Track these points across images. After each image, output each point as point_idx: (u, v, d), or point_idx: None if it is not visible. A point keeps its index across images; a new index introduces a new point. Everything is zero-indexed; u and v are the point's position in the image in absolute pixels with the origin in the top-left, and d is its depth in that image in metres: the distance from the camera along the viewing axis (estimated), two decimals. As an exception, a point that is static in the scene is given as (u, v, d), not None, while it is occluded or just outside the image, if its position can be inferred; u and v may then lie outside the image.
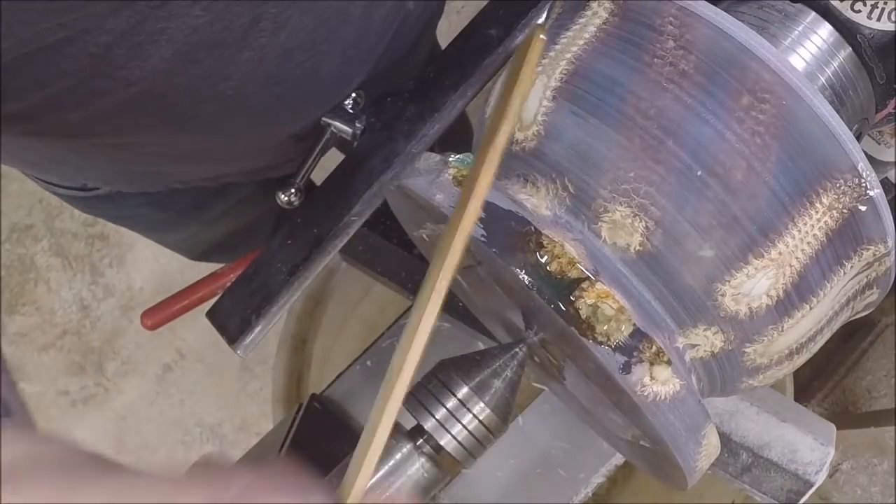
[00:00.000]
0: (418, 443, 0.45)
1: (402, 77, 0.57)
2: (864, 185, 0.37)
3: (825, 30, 0.42)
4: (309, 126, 0.60)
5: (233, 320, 0.53)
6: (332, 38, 0.49)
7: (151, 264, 1.70)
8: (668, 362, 0.36)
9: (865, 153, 0.39)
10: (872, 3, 0.41)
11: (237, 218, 0.85)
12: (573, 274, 0.37)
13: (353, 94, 0.58)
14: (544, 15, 0.50)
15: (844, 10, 0.41)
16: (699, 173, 0.37)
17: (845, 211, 0.37)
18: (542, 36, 0.31)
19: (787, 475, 0.64)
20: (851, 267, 0.39)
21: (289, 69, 0.49)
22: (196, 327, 1.59)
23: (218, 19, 0.42)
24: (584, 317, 0.36)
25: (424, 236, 0.47)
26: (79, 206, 0.77)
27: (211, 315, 0.54)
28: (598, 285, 0.37)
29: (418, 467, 0.45)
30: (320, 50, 0.49)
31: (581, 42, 0.40)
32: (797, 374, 1.18)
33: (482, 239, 0.37)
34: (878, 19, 0.41)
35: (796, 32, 0.42)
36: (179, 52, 0.42)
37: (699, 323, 0.39)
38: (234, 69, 0.46)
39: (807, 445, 0.64)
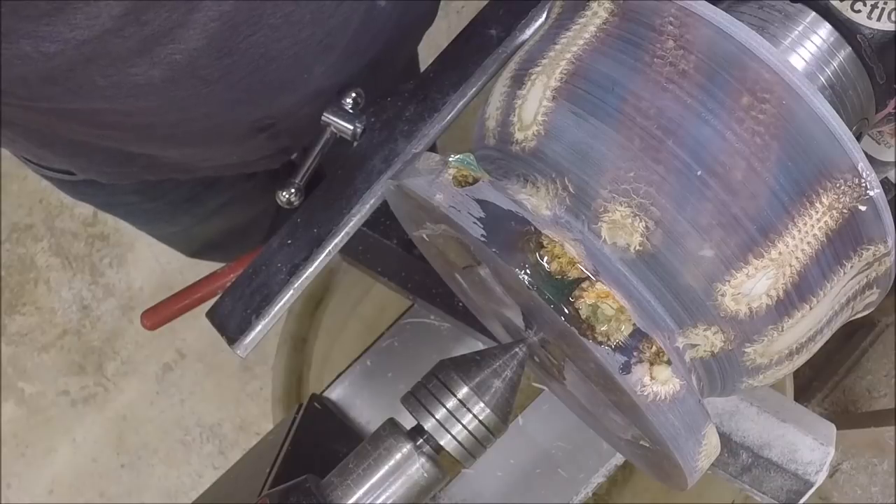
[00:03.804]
0: (418, 443, 0.45)
1: (383, 81, 0.57)
2: (864, 185, 0.37)
3: (825, 30, 0.42)
4: (272, 116, 0.59)
5: (233, 320, 0.53)
6: (280, 13, 0.49)
7: (151, 264, 1.70)
8: (668, 362, 0.36)
9: (865, 153, 0.39)
10: (872, 3, 0.41)
11: (232, 216, 0.85)
12: (573, 274, 0.37)
13: (353, 94, 0.58)
14: (544, 15, 0.50)
15: (844, 10, 0.41)
16: (699, 173, 0.37)
17: (845, 211, 0.37)
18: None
19: (787, 475, 0.64)
20: (851, 267, 0.39)
21: (236, 42, 0.49)
22: (196, 327, 1.59)
23: None
24: (584, 317, 0.36)
25: (424, 236, 0.47)
26: (68, 191, 0.77)
27: (211, 315, 0.55)
28: (598, 285, 0.37)
29: (418, 467, 0.45)
30: (268, 24, 0.49)
31: (581, 42, 0.40)
32: (797, 374, 1.18)
33: (482, 239, 0.37)
34: (878, 19, 0.41)
35: (796, 32, 0.42)
36: (128, 11, 0.42)
37: (699, 323, 0.39)
38: (180, 32, 0.46)
39: (807, 445, 0.64)
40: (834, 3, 0.41)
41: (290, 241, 0.53)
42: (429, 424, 0.44)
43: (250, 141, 0.62)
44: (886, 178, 0.59)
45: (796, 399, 0.82)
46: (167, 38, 0.46)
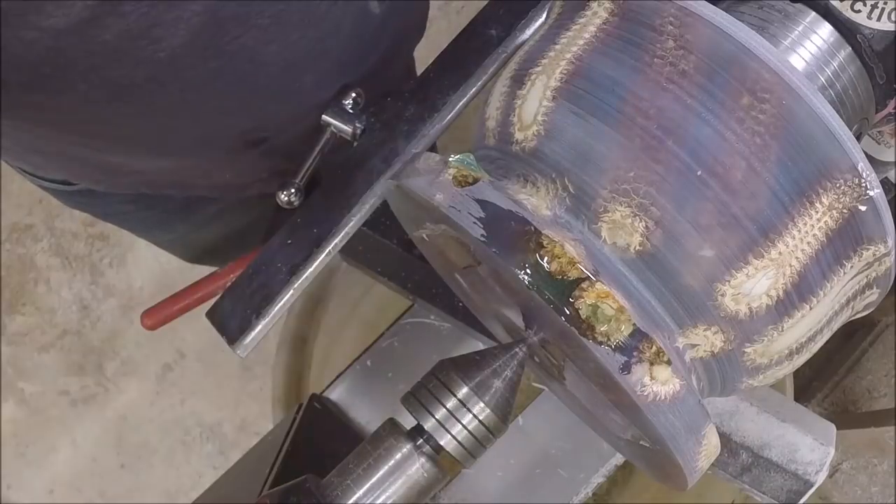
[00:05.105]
0: (418, 443, 0.45)
1: (379, 89, 0.57)
2: (864, 185, 0.37)
3: (825, 30, 0.42)
4: (264, 129, 0.59)
5: (233, 320, 0.53)
6: (269, 12, 0.48)
7: (151, 264, 1.70)
8: (668, 362, 0.36)
9: (865, 153, 0.39)
10: (872, 3, 0.41)
11: (229, 222, 0.85)
12: (573, 274, 0.37)
13: (353, 94, 0.57)
14: (544, 15, 0.50)
15: (844, 10, 0.41)
16: (699, 173, 0.37)
17: (845, 211, 0.37)
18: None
19: (787, 475, 0.64)
20: (851, 267, 0.39)
21: (223, 43, 0.47)
22: (196, 327, 1.59)
23: None
24: (584, 317, 0.36)
25: (424, 236, 0.47)
26: (65, 200, 0.77)
27: (211, 315, 0.55)
28: (598, 285, 0.37)
29: (418, 467, 0.45)
30: (257, 24, 0.48)
31: (581, 42, 0.40)
32: (797, 374, 1.18)
33: (482, 239, 0.37)
34: (878, 19, 0.41)
35: (796, 32, 0.42)
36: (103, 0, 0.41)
37: (699, 323, 0.39)
38: (161, 30, 0.44)
39: (807, 445, 0.64)
40: (834, 3, 0.41)
41: (290, 241, 0.53)
42: (429, 424, 0.44)
43: (243, 157, 0.61)
44: (886, 178, 0.59)
45: (796, 399, 0.82)
46: (149, 33, 0.44)
